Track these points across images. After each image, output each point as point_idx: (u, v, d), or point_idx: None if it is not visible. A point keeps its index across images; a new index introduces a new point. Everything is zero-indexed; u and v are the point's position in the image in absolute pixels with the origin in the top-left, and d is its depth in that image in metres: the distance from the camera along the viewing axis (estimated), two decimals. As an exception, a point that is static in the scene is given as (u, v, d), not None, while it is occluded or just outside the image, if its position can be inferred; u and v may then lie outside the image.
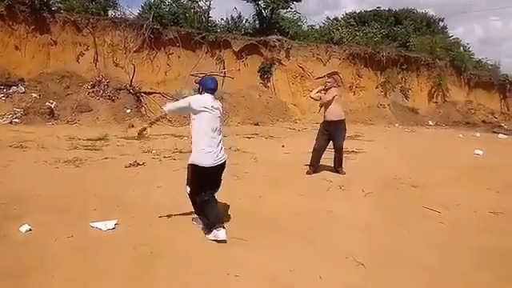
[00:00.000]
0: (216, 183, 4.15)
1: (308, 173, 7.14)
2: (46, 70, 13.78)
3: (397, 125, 18.15)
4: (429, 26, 24.34)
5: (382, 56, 19.34)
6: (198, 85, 4.34)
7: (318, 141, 7.21)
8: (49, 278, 3.06)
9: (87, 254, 3.49)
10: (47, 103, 12.81)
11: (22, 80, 13.19)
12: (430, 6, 53.72)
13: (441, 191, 6.28)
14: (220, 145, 4.07)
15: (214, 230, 3.89)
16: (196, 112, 4.00)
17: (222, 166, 4.08)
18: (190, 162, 4.05)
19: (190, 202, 4.17)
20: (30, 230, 3.86)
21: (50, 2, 14.49)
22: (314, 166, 7.23)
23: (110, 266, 3.31)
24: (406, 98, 20.19)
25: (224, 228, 3.91)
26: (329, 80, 7.26)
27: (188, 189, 4.11)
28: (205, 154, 3.95)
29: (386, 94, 19.66)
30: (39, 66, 13.78)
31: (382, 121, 18.32)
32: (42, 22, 14.03)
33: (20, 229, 3.85)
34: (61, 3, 15.92)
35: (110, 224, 4.02)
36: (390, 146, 11.19)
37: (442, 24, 25.36)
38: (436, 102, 20.85)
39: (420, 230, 4.52)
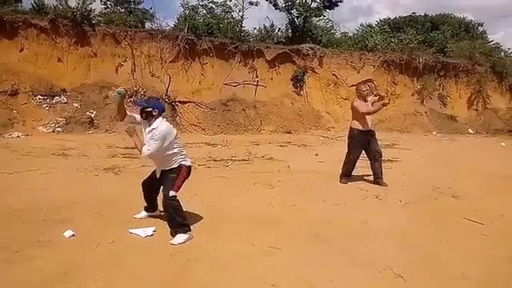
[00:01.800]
0: None
1: (342, 182, 7.05)
2: (87, 81, 14.35)
3: (434, 133, 17.63)
4: (467, 31, 23.63)
5: (419, 62, 18.88)
6: (150, 108, 4.23)
7: (355, 151, 7.00)
8: (92, 282, 3.17)
9: (127, 260, 3.59)
10: (87, 113, 13.33)
11: (64, 90, 13.80)
12: (467, 10, 52.12)
13: (482, 202, 6.03)
14: None
15: (189, 233, 4.14)
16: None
17: None
18: (186, 164, 4.33)
19: (171, 212, 4.15)
20: (74, 235, 4.02)
21: (91, 16, 15.10)
22: (349, 177, 7.11)
23: (148, 272, 3.38)
24: (444, 105, 19.59)
25: None
26: (365, 89, 7.05)
27: (173, 193, 4.16)
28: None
29: (422, 101, 19.16)
30: (80, 77, 14.36)
31: (419, 129, 17.85)
32: (82, 35, 14.66)
33: (64, 234, 4.01)
34: (100, 17, 16.63)
35: (149, 231, 4.12)
36: (427, 155, 10.87)
37: (481, 29, 24.61)
38: (476, 110, 20.09)
39: (461, 242, 4.35)
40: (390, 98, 6.86)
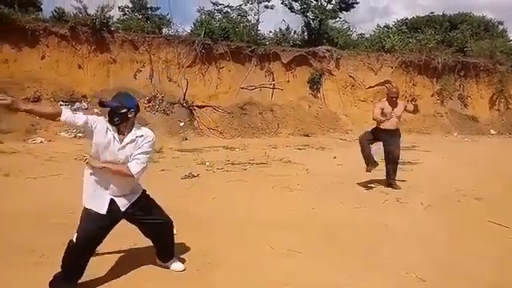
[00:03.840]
0: None
1: (368, 170, 6.83)
2: (107, 87, 14.58)
3: (455, 134, 17.33)
4: (487, 29, 23.20)
5: (438, 63, 18.61)
6: (125, 108, 3.09)
7: (361, 139, 6.86)
8: (113, 282, 3.22)
9: (148, 262, 3.61)
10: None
11: (84, 97, 14.07)
12: (487, 8, 50.95)
13: (507, 204, 5.88)
14: None
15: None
16: None
17: None
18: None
19: (172, 237, 3.62)
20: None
21: (109, 23, 15.39)
22: (370, 164, 6.80)
23: (169, 274, 3.42)
24: (465, 105, 19.26)
25: None
26: (393, 90, 6.89)
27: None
28: None
29: (442, 102, 18.88)
30: (100, 83, 14.62)
31: (439, 130, 17.58)
32: (102, 42, 14.93)
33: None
34: (119, 23, 16.93)
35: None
36: (449, 156, 10.68)
37: (501, 27, 24.13)
38: (498, 110, 19.68)
39: (485, 245, 4.25)
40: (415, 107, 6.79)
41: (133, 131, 3.13)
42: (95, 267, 3.48)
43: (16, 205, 5.32)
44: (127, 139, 3.10)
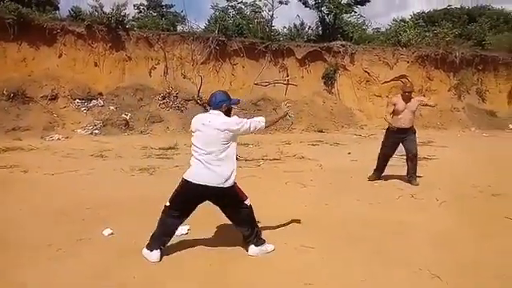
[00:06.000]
0: (192, 208, 3.80)
1: (370, 178, 7.02)
2: (122, 84, 14.75)
3: (473, 129, 17.02)
4: (507, 22, 22.74)
5: (455, 57, 18.25)
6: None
7: (382, 147, 7.02)
8: (130, 279, 3.28)
9: (164, 257, 3.66)
10: (123, 115, 13.72)
11: (100, 94, 14.26)
12: (506, 1, 49.73)
13: (526, 200, 5.78)
14: (208, 164, 3.64)
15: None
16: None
17: (208, 189, 3.64)
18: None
19: None
20: (112, 233, 4.17)
21: (125, 21, 15.51)
22: (378, 172, 7.08)
23: (186, 269, 3.47)
24: (483, 100, 18.87)
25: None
26: (407, 86, 7.00)
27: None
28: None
29: (459, 96, 18.53)
30: (116, 80, 14.77)
31: (456, 125, 17.29)
32: (117, 40, 15.05)
33: (103, 232, 4.17)
34: (134, 21, 17.10)
35: (184, 229, 4.20)
36: (465, 152, 10.50)
37: (521, 20, 23.54)
38: (517, 104, 19.26)
39: (502, 242, 4.20)
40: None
41: None
42: (111, 265, 3.55)
43: (33, 201, 5.44)
44: None
